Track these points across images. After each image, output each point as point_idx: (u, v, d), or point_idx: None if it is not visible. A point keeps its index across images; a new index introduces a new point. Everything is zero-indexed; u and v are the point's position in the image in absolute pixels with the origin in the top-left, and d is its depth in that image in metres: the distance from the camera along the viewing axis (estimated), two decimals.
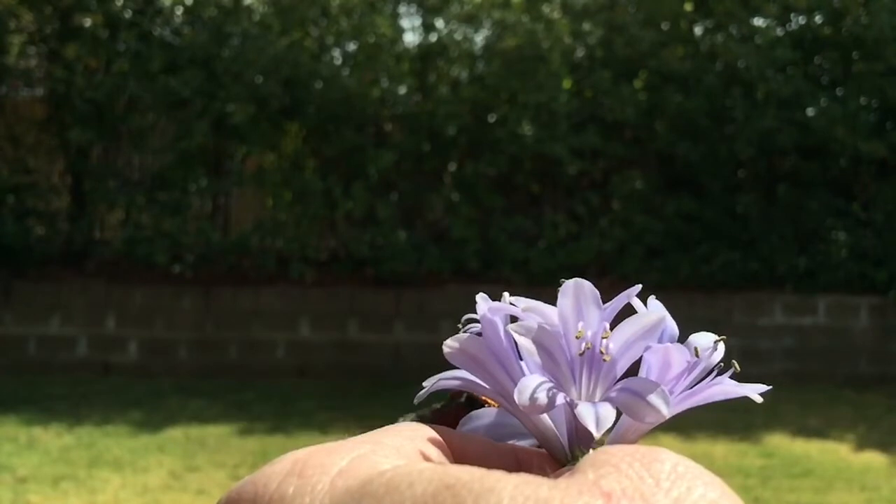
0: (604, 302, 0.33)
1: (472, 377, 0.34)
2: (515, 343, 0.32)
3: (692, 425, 4.12)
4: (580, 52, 5.94)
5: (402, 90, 5.81)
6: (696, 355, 0.33)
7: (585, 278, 0.33)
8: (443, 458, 0.30)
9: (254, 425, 4.27)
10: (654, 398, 0.30)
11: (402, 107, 5.71)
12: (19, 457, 3.70)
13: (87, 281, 5.57)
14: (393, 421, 0.32)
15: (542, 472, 0.31)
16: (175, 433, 4.12)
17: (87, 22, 5.72)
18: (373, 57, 5.60)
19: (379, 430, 0.31)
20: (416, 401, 0.35)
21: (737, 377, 0.34)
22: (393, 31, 5.67)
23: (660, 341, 0.33)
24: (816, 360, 5.59)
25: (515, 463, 0.32)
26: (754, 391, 0.33)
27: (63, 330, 5.46)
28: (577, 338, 0.32)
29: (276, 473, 0.27)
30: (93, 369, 5.37)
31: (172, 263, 5.51)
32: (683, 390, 0.33)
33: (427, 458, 0.30)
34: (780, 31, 6.00)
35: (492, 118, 5.75)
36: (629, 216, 5.73)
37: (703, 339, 0.34)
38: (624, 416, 0.31)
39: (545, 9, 5.78)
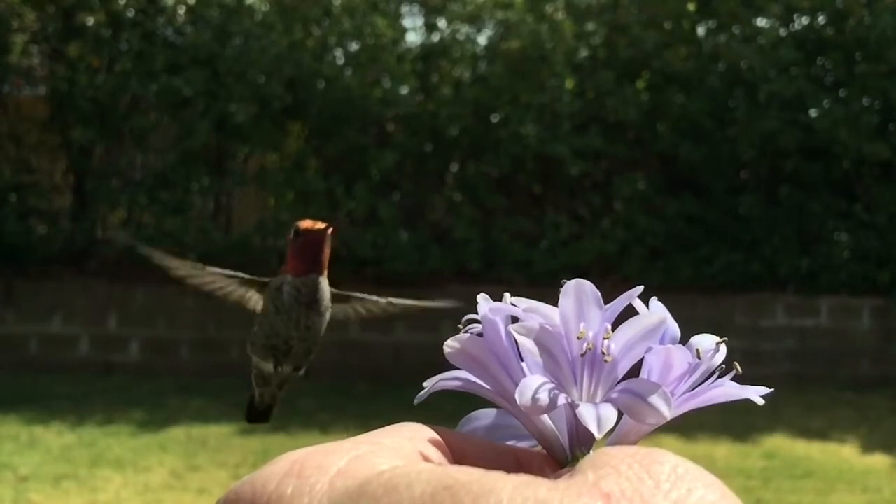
0: (606, 303, 0.33)
1: (473, 377, 0.34)
2: (516, 344, 0.32)
3: (693, 426, 4.12)
4: (583, 53, 5.93)
5: (405, 90, 5.81)
6: (698, 357, 0.33)
7: (587, 279, 0.33)
8: (442, 459, 0.30)
9: (255, 425, 4.27)
10: (655, 399, 0.30)
11: (404, 107, 5.71)
12: (21, 456, 3.70)
13: (89, 280, 5.58)
14: (394, 421, 0.32)
15: (541, 473, 0.30)
16: (177, 432, 4.12)
17: (90, 21, 5.72)
18: (375, 57, 5.60)
19: (378, 430, 0.31)
20: (416, 401, 0.35)
21: (738, 379, 0.34)
22: (395, 31, 5.67)
23: (661, 343, 0.33)
24: (818, 362, 5.58)
25: (515, 464, 0.32)
26: (756, 393, 0.33)
27: (65, 329, 5.47)
28: (578, 338, 0.32)
29: (275, 474, 0.27)
30: (94, 368, 5.37)
31: None
32: (685, 392, 0.33)
33: (426, 459, 0.29)
34: (783, 32, 5.99)
35: (494, 118, 5.75)
36: (631, 217, 5.72)
37: (705, 341, 0.34)
38: (625, 418, 0.31)
39: (548, 9, 5.78)
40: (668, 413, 0.30)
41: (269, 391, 0.93)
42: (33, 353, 5.42)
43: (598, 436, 0.30)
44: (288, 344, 0.86)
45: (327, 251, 0.83)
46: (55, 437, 4.00)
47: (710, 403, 0.33)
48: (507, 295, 0.34)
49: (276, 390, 0.92)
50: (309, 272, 0.83)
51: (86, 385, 5.01)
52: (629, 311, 0.34)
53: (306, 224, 0.81)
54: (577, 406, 0.30)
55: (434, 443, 0.31)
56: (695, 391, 0.33)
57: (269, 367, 0.90)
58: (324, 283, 0.83)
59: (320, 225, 0.81)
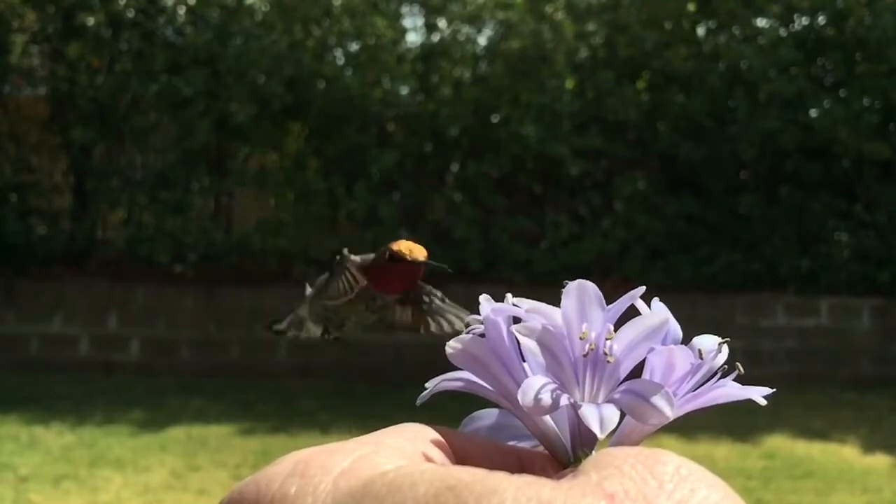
0: (606, 303, 0.33)
1: (475, 378, 0.34)
2: (519, 344, 0.32)
3: (694, 427, 4.12)
4: (583, 53, 5.93)
5: (405, 90, 5.81)
6: (700, 357, 0.33)
7: (587, 279, 0.33)
8: (444, 460, 0.30)
9: (256, 425, 4.27)
10: (657, 400, 0.30)
11: (404, 107, 5.71)
12: (21, 456, 3.70)
13: (90, 280, 5.58)
14: (394, 421, 0.32)
15: (544, 473, 0.30)
16: (177, 432, 4.12)
17: (90, 21, 5.72)
18: (375, 57, 5.60)
19: (381, 431, 0.31)
20: (419, 402, 0.35)
21: (739, 379, 0.34)
22: (395, 31, 5.67)
23: (663, 343, 0.33)
24: (819, 362, 5.58)
25: (518, 464, 0.32)
26: (758, 394, 0.33)
27: (65, 329, 5.46)
28: (580, 339, 0.32)
29: (278, 474, 0.27)
30: (95, 368, 5.37)
31: (174, 263, 5.52)
32: (687, 392, 0.33)
33: (429, 459, 0.30)
34: (783, 32, 5.99)
35: (494, 119, 5.74)
36: (631, 217, 5.72)
37: (707, 342, 0.34)
38: (627, 418, 0.31)
39: (548, 9, 5.78)
40: (671, 413, 0.30)
41: (294, 334, 0.92)
42: (33, 353, 5.42)
43: (600, 436, 0.30)
44: (342, 322, 0.86)
45: (417, 282, 0.80)
46: (55, 437, 4.00)
47: (712, 404, 0.33)
48: (509, 295, 0.34)
49: (300, 338, 0.92)
50: (390, 294, 0.81)
51: (86, 385, 5.01)
52: (631, 312, 0.34)
53: (403, 250, 0.75)
54: (580, 406, 0.30)
55: (436, 443, 0.31)
56: (697, 391, 0.33)
57: (316, 330, 0.89)
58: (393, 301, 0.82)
59: (417, 253, 0.76)
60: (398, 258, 0.76)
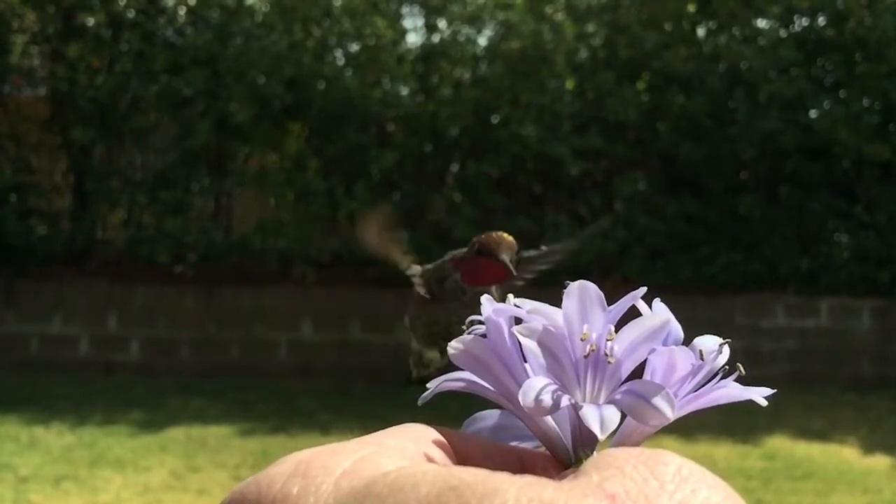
0: (606, 303, 0.33)
1: (477, 379, 0.34)
2: (520, 345, 0.32)
3: (694, 427, 4.12)
4: (583, 54, 5.93)
5: (405, 91, 5.81)
6: (702, 358, 0.33)
7: (587, 279, 0.33)
8: (446, 460, 0.30)
9: (255, 425, 4.27)
10: (658, 401, 0.30)
11: (404, 107, 5.71)
12: (21, 456, 3.70)
13: (90, 280, 5.58)
14: (394, 421, 0.32)
15: (545, 474, 0.30)
16: (177, 433, 4.12)
17: (90, 21, 5.72)
18: (375, 57, 5.60)
19: (382, 431, 0.31)
20: (420, 402, 0.35)
21: (740, 379, 0.34)
22: (395, 31, 5.67)
23: (664, 344, 0.33)
24: (819, 362, 5.58)
25: (519, 465, 0.32)
26: (759, 394, 0.33)
27: (65, 329, 5.47)
28: (581, 340, 0.32)
29: (280, 474, 0.27)
30: (95, 368, 5.37)
31: (174, 263, 5.52)
32: (688, 393, 0.33)
33: (430, 460, 0.30)
34: (783, 33, 5.99)
35: (494, 119, 5.74)
36: (631, 217, 5.72)
37: (709, 342, 0.34)
38: (628, 419, 0.31)
39: (548, 10, 5.78)
40: (672, 414, 0.30)
41: (427, 372, 0.90)
42: (33, 353, 5.42)
43: (601, 437, 0.30)
44: (449, 331, 0.83)
45: (506, 276, 0.78)
46: (55, 437, 4.00)
47: (713, 405, 0.33)
48: (510, 296, 0.34)
49: (434, 372, 0.89)
50: (481, 285, 0.80)
51: (86, 385, 5.01)
52: (632, 313, 0.34)
53: (491, 244, 0.74)
54: (581, 407, 0.30)
55: (438, 444, 0.31)
56: (698, 392, 0.33)
57: (434, 354, 0.87)
58: (492, 292, 0.80)
59: (506, 246, 0.74)
60: (485, 252, 0.75)
